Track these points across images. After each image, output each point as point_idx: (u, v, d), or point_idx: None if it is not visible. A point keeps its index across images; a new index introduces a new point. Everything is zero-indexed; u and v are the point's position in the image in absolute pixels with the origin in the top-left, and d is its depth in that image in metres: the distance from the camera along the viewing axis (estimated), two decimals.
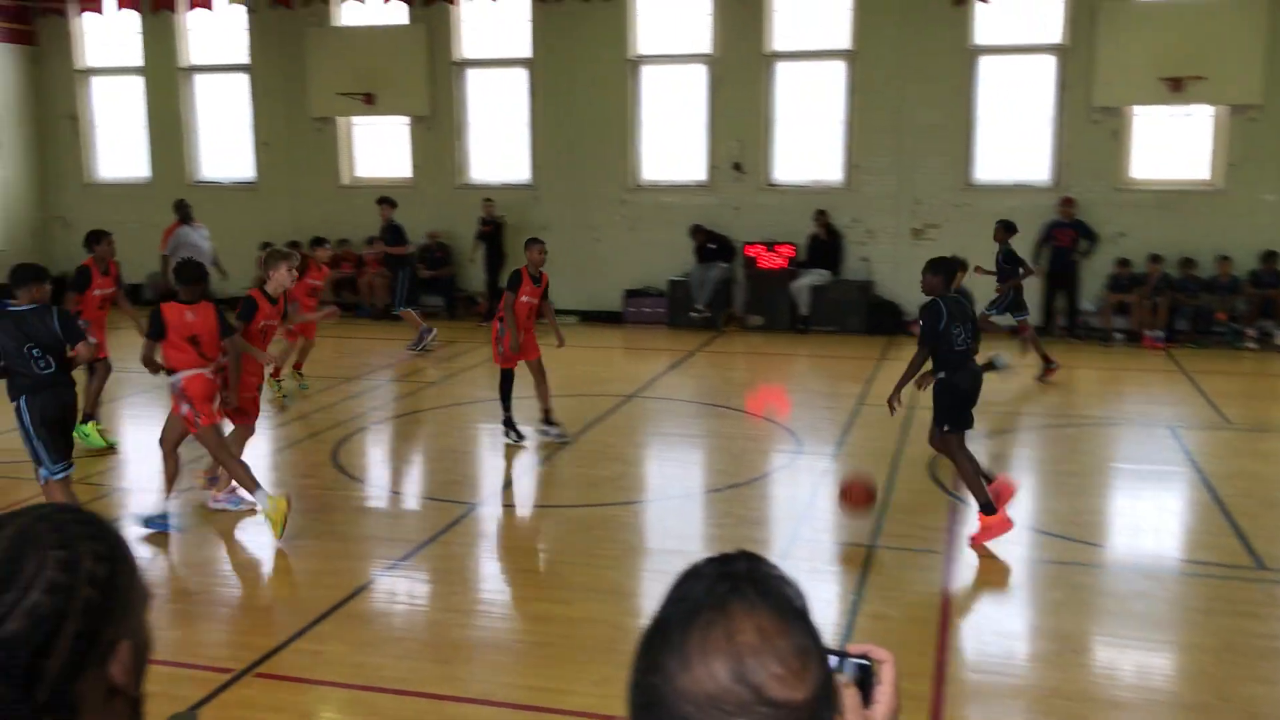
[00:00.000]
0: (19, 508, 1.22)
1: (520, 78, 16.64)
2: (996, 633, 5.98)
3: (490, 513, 7.97)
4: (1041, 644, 5.86)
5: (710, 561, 1.17)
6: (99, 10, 17.43)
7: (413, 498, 8.56)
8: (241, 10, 17.10)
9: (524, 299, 9.24)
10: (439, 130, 16.91)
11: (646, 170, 16.49)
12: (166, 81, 17.92)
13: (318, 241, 12.60)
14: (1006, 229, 11.83)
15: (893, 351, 13.79)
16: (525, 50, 16.46)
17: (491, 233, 16.21)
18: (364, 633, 5.83)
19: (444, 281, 16.68)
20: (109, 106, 18.57)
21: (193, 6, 17.10)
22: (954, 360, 6.92)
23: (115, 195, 18.37)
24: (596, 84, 16.17)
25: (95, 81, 18.50)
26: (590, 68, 16.15)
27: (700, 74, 16.03)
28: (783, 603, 1.10)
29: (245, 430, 7.85)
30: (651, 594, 6.51)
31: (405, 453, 10.05)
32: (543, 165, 16.64)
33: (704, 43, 15.87)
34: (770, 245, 15.51)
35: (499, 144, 17.01)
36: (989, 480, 7.04)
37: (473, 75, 16.91)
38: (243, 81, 17.71)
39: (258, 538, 7.66)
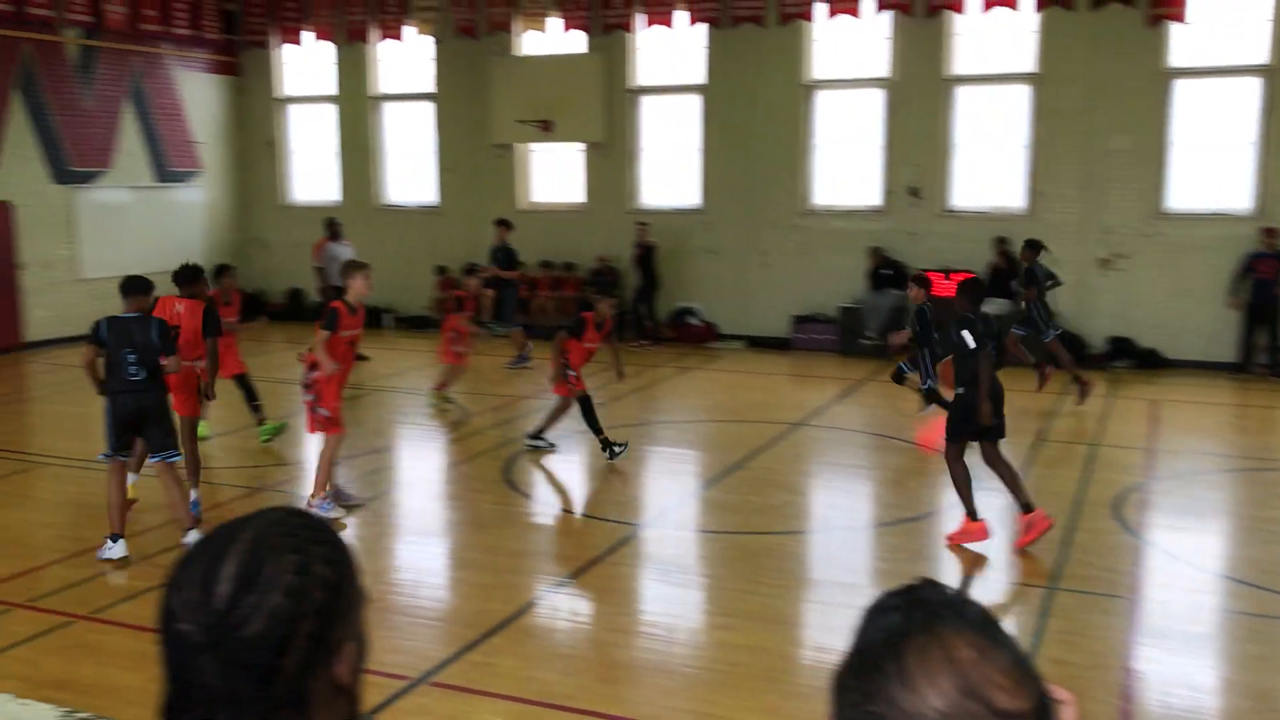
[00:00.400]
0: (251, 512, 1.27)
1: (694, 103, 16.78)
2: (1186, 686, 5.63)
3: (655, 535, 7.99)
4: (1235, 700, 5.49)
5: (894, 594, 1.17)
6: (298, 42, 18.48)
7: (580, 517, 8.67)
8: (429, 41, 17.81)
9: (585, 345, 9.72)
10: (613, 156, 17.20)
11: (819, 195, 16.36)
12: (358, 109, 18.81)
13: (469, 270, 12.92)
14: (1033, 248, 12.11)
15: (1076, 386, 13.24)
16: (700, 76, 16.60)
17: (643, 256, 16.39)
18: (533, 648, 5.93)
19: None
20: (304, 133, 19.60)
21: (384, 37, 17.96)
22: (976, 376, 7.18)
23: (307, 217, 19.33)
24: (770, 108, 16.16)
25: (292, 109, 19.57)
26: (764, 92, 16.16)
27: (877, 98, 15.82)
28: (982, 622, 1.11)
29: (337, 439, 8.03)
30: (817, 625, 6.42)
31: (573, 472, 10.19)
32: (713, 189, 16.71)
33: (881, 67, 15.67)
34: (947, 273, 15.13)
35: (670, 169, 17.19)
36: (1029, 510, 7.22)
37: (647, 102, 17.14)
38: (428, 109, 18.42)
39: (429, 549, 7.90)
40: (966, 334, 7.18)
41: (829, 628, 6.37)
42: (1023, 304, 12.24)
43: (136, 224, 17.51)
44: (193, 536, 7.16)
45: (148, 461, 7.35)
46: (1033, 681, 1.07)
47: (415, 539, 8.11)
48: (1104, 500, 8.34)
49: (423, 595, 6.90)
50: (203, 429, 10.10)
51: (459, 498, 9.13)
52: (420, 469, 10.16)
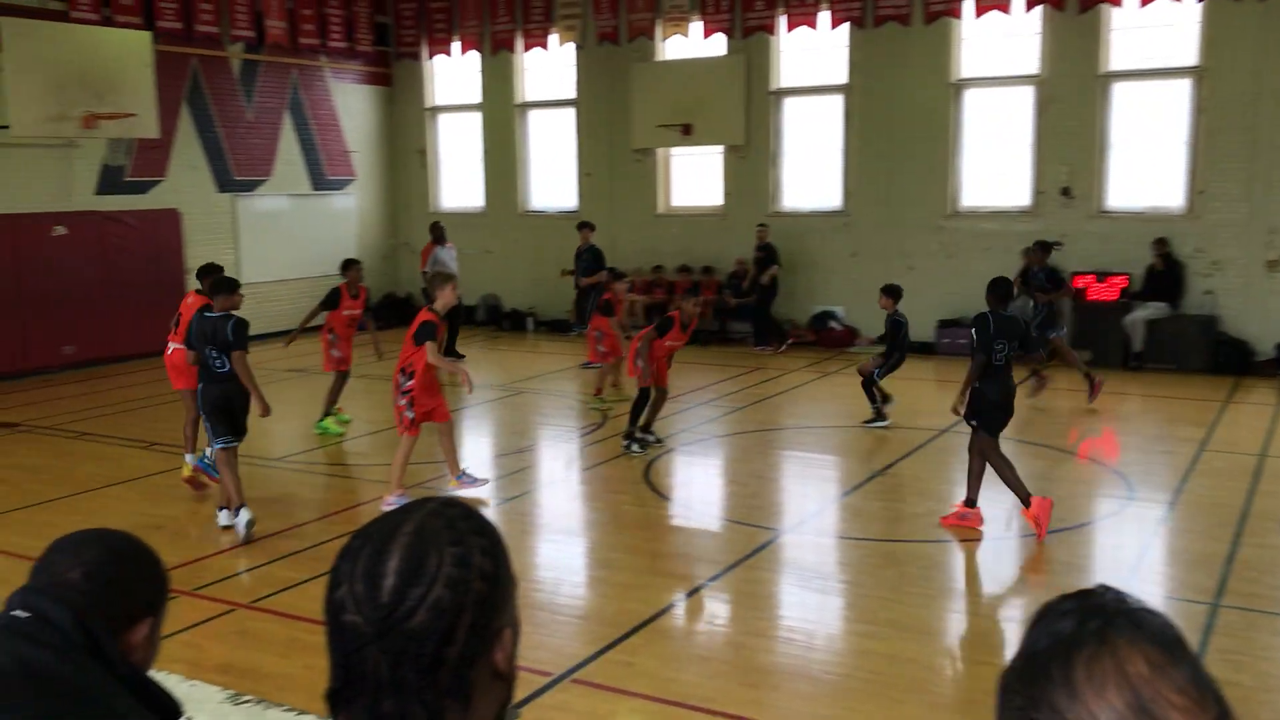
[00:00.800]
0: (410, 502, 1.30)
1: (835, 104, 16.59)
2: None
3: (796, 540, 7.91)
4: None
5: (1070, 598, 1.12)
6: (448, 53, 18.99)
7: (719, 520, 8.65)
8: (571, 48, 18.07)
9: (668, 343, 10.13)
10: (752, 158, 17.13)
11: (966, 196, 15.97)
12: (502, 117, 19.21)
13: (616, 275, 13.03)
14: (1044, 249, 12.26)
15: (1240, 394, 12.61)
16: (842, 77, 16.40)
17: (764, 259, 16.27)
18: (673, 649, 5.94)
19: (749, 308, 16.81)
20: (452, 141, 20.13)
21: (529, 47, 18.30)
22: (990, 371, 7.54)
23: (454, 223, 19.82)
24: (915, 108, 15.86)
25: (441, 118, 20.11)
26: (909, 91, 15.86)
27: (1026, 96, 15.36)
28: (1161, 634, 1.05)
29: (447, 427, 8.68)
30: (963, 635, 6.25)
31: (712, 475, 10.19)
32: (855, 191, 16.48)
33: (1031, 64, 15.21)
34: (1101, 275, 14.60)
35: (810, 171, 17.03)
36: (1026, 504, 7.52)
37: (788, 103, 17.02)
38: (569, 116, 18.69)
39: (570, 548, 8.00)
40: (974, 331, 7.68)
41: (975, 639, 6.21)
42: (1033, 304, 12.40)
43: (293, 230, 18.26)
44: (224, 516, 7.91)
45: (210, 445, 8.08)
46: (1214, 703, 1.01)
47: (557, 538, 8.22)
48: (1272, 514, 7.90)
49: (564, 594, 6.99)
50: (330, 426, 11.08)
51: (599, 498, 9.22)
52: (561, 469, 10.30)
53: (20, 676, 1.67)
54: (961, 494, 8.06)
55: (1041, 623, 1.10)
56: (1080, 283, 14.67)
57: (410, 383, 8.36)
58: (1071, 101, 14.92)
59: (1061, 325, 12.24)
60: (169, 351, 9.44)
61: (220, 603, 6.57)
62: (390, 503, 8.24)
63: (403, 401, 8.41)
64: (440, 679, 1.18)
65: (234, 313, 7.97)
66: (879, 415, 11.08)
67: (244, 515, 7.70)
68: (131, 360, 15.69)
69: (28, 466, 9.99)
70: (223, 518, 7.92)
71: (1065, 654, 1.04)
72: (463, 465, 8.93)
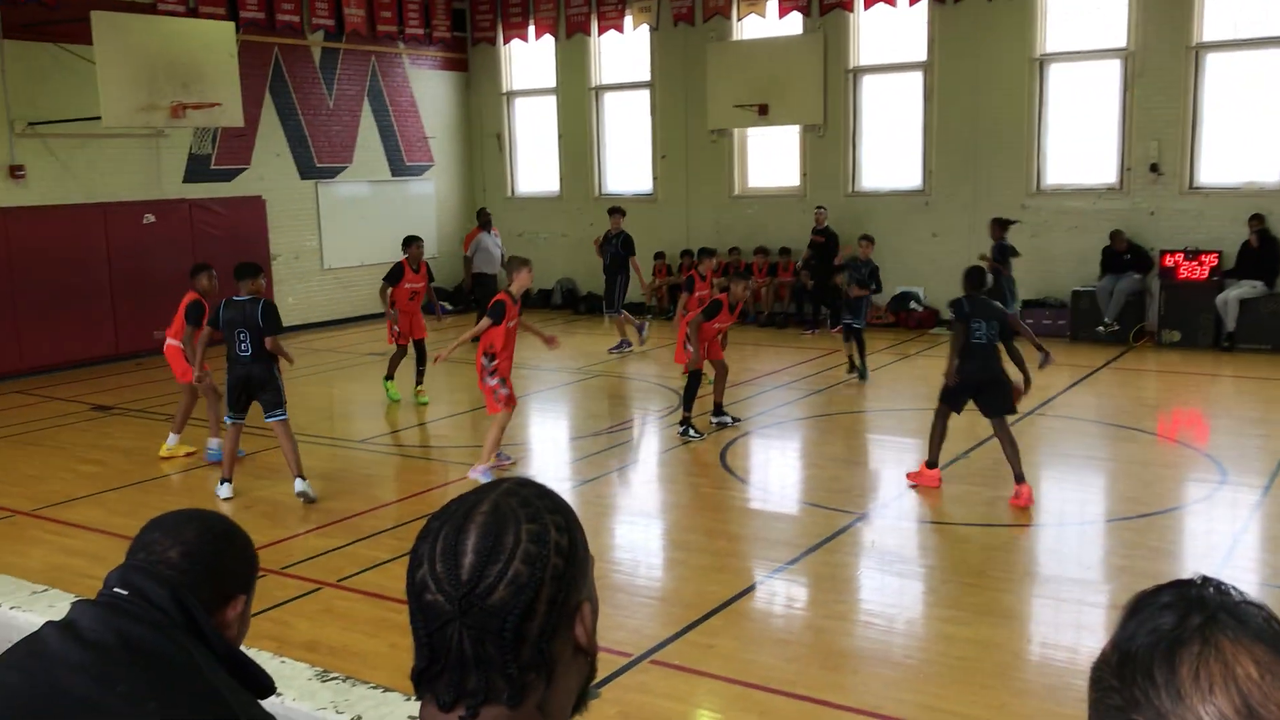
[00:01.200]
0: (485, 483, 1.31)
1: (915, 82, 16.32)
2: None
3: (876, 524, 7.83)
4: None
5: (1167, 589, 1.07)
6: (524, 37, 19.07)
7: (798, 503, 8.60)
8: (646, 30, 18.02)
9: (716, 325, 10.26)
10: (830, 138, 16.94)
11: (1050, 174, 15.61)
12: (577, 100, 19.25)
13: (705, 253, 12.94)
14: (1001, 225, 12.57)
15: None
16: (921, 54, 16.12)
17: (825, 243, 16.07)
18: (752, 631, 5.93)
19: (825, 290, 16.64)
20: (528, 126, 20.22)
21: (603, 30, 18.29)
22: (967, 350, 8.01)
23: (530, 207, 19.98)
24: (997, 85, 15.53)
25: (518, 103, 20.21)
26: (991, 68, 15.54)
27: (1113, 70, 14.95)
28: (1267, 630, 1.00)
29: (508, 415, 8.85)
30: (1050, 622, 6.14)
31: (791, 458, 10.13)
32: (935, 170, 16.21)
33: (1118, 36, 14.79)
34: (1191, 254, 14.18)
35: (889, 150, 16.79)
36: (931, 466, 8.32)
37: (867, 81, 16.79)
38: (644, 98, 18.65)
39: (649, 530, 8.02)
40: (953, 312, 8.24)
41: (1062, 625, 6.09)
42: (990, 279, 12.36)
43: (373, 216, 18.51)
44: (300, 485, 8.37)
45: (264, 420, 8.61)
46: None
47: (635, 520, 8.25)
48: None
49: (642, 575, 7.02)
50: (392, 390, 11.94)
51: (677, 480, 9.23)
52: (639, 451, 10.32)
53: (122, 651, 1.71)
54: (1038, 475, 7.94)
55: (1138, 616, 1.06)
56: (1169, 261, 14.27)
57: (494, 364, 8.62)
58: (1161, 74, 14.49)
59: (1009, 302, 12.15)
60: (167, 346, 10.03)
61: (307, 581, 6.71)
62: (477, 472, 8.55)
63: (493, 382, 8.67)
64: (522, 654, 1.20)
65: (261, 297, 8.43)
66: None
67: (225, 490, 8.46)
68: (219, 345, 16.07)
69: (121, 448, 10.30)
70: (222, 490, 8.45)
71: (1168, 654, 0.99)
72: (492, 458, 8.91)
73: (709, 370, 10.53)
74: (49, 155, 14.33)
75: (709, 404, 10.49)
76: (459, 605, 1.18)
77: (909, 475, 8.54)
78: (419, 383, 11.84)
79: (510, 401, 8.75)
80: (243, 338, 8.25)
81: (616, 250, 15.16)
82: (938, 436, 8.33)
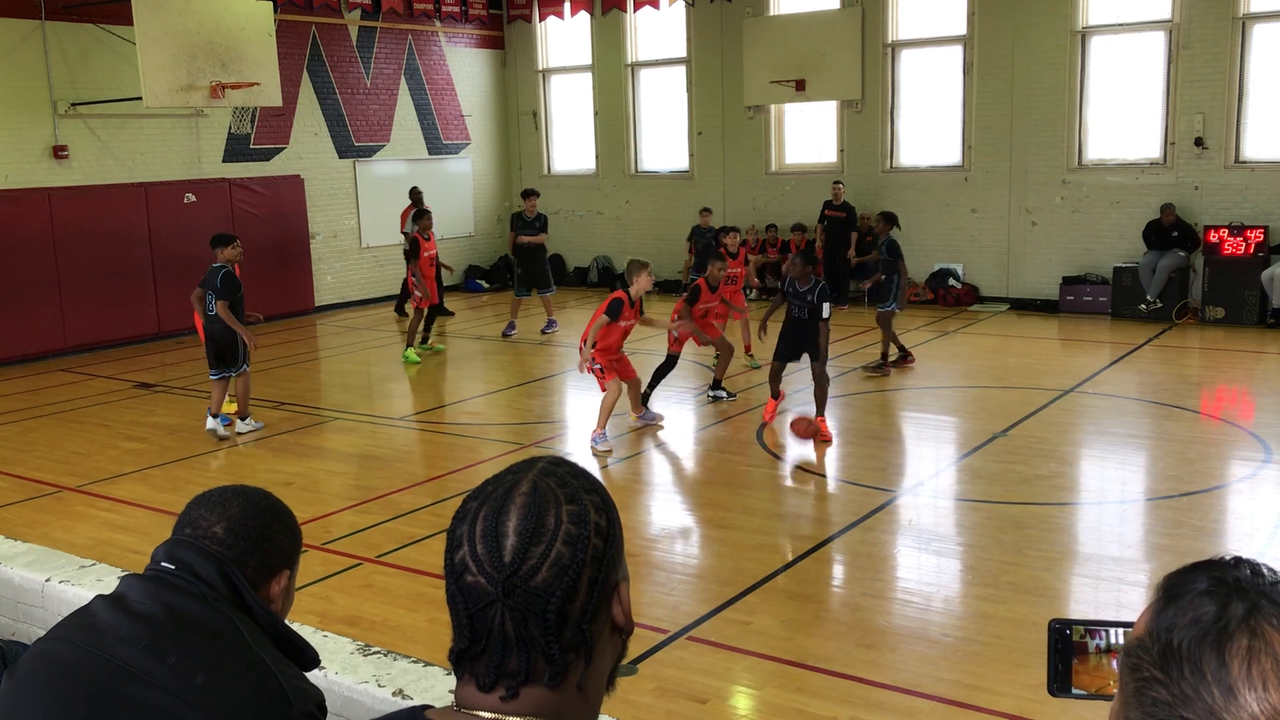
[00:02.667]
0: (518, 463, 1.30)
1: (954, 56, 16.13)
2: None
3: (913, 502, 7.80)
4: None
5: (1203, 573, 1.04)
6: (560, 15, 19.01)
7: (835, 481, 8.58)
8: (682, 5, 17.91)
9: (701, 307, 10.58)
10: (868, 114, 16.79)
11: (1092, 149, 15.40)
12: (613, 77, 19.18)
13: (724, 230, 12.90)
14: (889, 221, 12.09)
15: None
16: (960, 27, 15.92)
17: (844, 219, 15.96)
18: (789, 608, 5.94)
19: (870, 266, 16.54)
20: (564, 103, 20.19)
21: (639, 6, 18.19)
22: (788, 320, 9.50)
23: (566, 185, 19.97)
24: (1037, 58, 15.31)
25: (554, 80, 20.18)
26: (1031, 41, 15.32)
27: (1157, 42, 14.70)
28: None
29: (634, 385, 9.55)
30: (1089, 600, 6.10)
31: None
32: (974, 146, 16.03)
33: (1163, 8, 14.53)
34: (1236, 229, 13.96)
35: (928, 125, 16.61)
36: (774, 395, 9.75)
37: (905, 55, 16.62)
38: (680, 74, 18.56)
39: (686, 507, 8.04)
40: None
41: (1102, 604, 6.05)
42: (882, 277, 12.05)
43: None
44: (210, 421, 9.74)
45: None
46: None
47: (672, 497, 8.27)
48: None
49: (679, 552, 7.04)
50: (410, 355, 12.95)
51: (714, 458, 9.23)
52: (675, 429, 10.33)
53: (171, 623, 1.75)
54: (1079, 452, 7.84)
55: (1176, 604, 1.03)
56: (1213, 237, 14.05)
57: (592, 350, 9.07)
58: (1206, 46, 14.23)
59: (892, 302, 11.64)
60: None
61: (348, 557, 6.79)
62: (597, 438, 9.08)
63: (598, 367, 9.15)
64: (565, 635, 1.20)
65: (228, 264, 9.47)
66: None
67: (212, 422, 9.69)
68: (258, 323, 16.24)
69: (164, 425, 10.45)
70: (209, 423, 9.74)
71: (1216, 648, 0.97)
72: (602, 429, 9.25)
73: (705, 354, 10.89)
74: (91, 136, 14.50)
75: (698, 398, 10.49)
76: (502, 587, 1.18)
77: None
78: (425, 340, 13.22)
79: (611, 375, 9.16)
80: (210, 300, 9.48)
81: (539, 231, 15.09)
82: (775, 377, 9.73)
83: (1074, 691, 1.21)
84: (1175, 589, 1.04)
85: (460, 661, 1.23)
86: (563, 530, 1.21)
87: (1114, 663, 1.19)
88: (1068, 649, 1.21)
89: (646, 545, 6.94)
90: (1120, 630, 1.19)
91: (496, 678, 1.20)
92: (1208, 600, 1.01)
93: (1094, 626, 1.19)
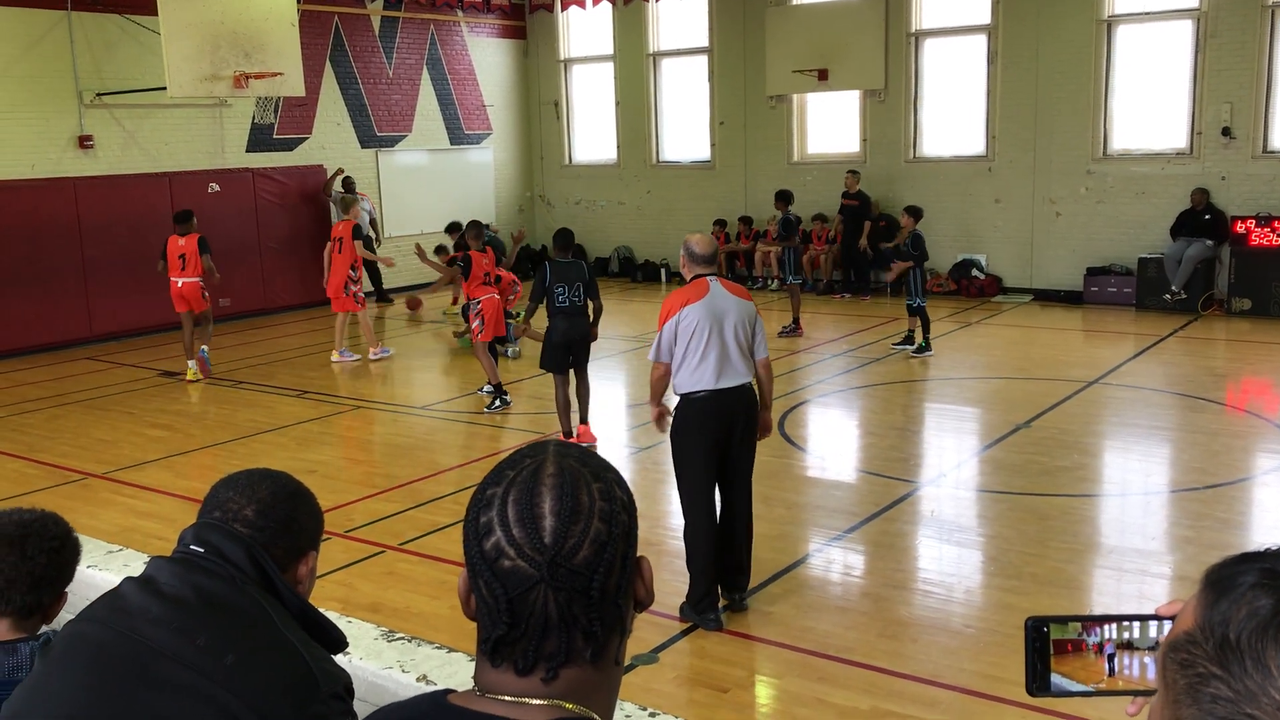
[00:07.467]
0: (526, 445, 1.30)
1: (978, 45, 16.02)
2: None
3: (935, 493, 7.78)
4: None
5: (1250, 566, 1.02)
6: (582, 4, 18.97)
7: (856, 471, 8.56)
8: None
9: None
10: (891, 103, 16.71)
11: (1117, 139, 15.27)
12: (634, 67, 19.15)
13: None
14: (785, 199, 13.43)
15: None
16: (984, 16, 15.81)
17: (859, 208, 15.90)
18: (811, 598, 5.94)
19: (889, 254, 16.47)
20: (585, 93, 20.17)
21: None
22: (552, 312, 8.51)
23: (587, 175, 19.97)
24: (1063, 47, 15.19)
25: (575, 70, 20.16)
26: (1056, 30, 15.20)
27: (1184, 30, 14.56)
28: None
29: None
30: (1112, 592, 6.07)
31: (849, 426, 10.08)
32: (999, 135, 15.93)
33: None
34: (1264, 220, 13.82)
35: (952, 115, 16.52)
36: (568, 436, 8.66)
37: (929, 45, 16.52)
38: (702, 64, 18.51)
39: None
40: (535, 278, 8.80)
41: (1125, 595, 6.02)
42: (782, 251, 13.51)
43: (433, 184, 18.63)
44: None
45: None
46: None
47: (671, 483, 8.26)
48: None
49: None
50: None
51: None
52: None
53: (200, 605, 1.76)
54: (1101, 444, 7.79)
55: (1228, 597, 1.01)
56: (1240, 228, 13.92)
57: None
58: (1234, 35, 14.08)
59: (916, 295, 12.00)
60: (179, 285, 11.71)
61: (370, 544, 6.82)
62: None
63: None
64: (604, 612, 1.20)
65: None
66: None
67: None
68: (283, 312, 16.34)
69: (190, 413, 10.53)
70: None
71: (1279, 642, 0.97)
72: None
73: None
74: (116, 125, 14.59)
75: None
76: (546, 569, 1.17)
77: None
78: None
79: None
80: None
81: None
82: (562, 404, 8.67)
83: (1053, 690, 1.20)
84: (1223, 582, 1.02)
85: (497, 649, 1.21)
86: (597, 507, 1.21)
87: (1105, 659, 1.17)
88: (1045, 647, 1.19)
89: (667, 535, 6.95)
90: (1112, 626, 1.17)
91: (535, 660, 1.19)
92: (1262, 593, 0.98)
93: (1075, 621, 1.17)
